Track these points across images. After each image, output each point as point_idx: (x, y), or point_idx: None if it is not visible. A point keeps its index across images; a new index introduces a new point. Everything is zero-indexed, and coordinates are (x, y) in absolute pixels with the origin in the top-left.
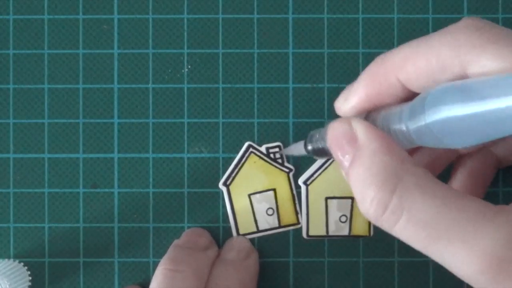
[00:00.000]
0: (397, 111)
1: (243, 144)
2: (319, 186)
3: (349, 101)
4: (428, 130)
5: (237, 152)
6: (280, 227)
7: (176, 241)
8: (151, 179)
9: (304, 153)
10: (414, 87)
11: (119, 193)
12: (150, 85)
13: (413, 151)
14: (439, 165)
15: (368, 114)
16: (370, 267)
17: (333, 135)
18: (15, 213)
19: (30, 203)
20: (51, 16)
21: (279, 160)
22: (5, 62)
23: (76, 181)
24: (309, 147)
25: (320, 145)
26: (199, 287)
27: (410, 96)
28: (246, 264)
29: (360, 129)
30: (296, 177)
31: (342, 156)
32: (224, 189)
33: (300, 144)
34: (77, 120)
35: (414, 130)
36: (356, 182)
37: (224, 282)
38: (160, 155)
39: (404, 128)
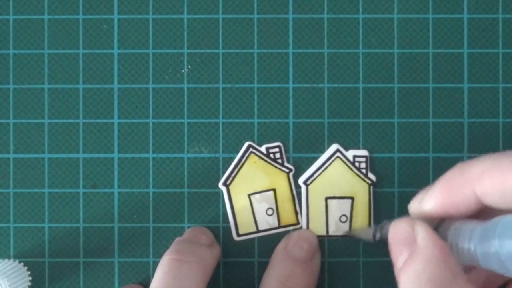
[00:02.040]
0: (469, 229)
1: (243, 144)
2: (319, 186)
3: (423, 205)
4: (496, 257)
5: (237, 152)
6: (280, 227)
7: (178, 238)
8: (151, 179)
9: (370, 239)
10: (488, 202)
11: (119, 193)
12: (150, 85)
13: (471, 267)
14: (494, 283)
15: (442, 223)
16: (370, 267)
17: (394, 233)
18: (15, 213)
19: (30, 203)
20: (51, 16)
21: (279, 160)
22: (5, 62)
23: (76, 181)
24: (378, 236)
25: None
26: (205, 278)
27: (486, 209)
28: (313, 265)
29: (421, 233)
30: (296, 177)
31: (398, 255)
32: (224, 189)
33: (369, 231)
34: (77, 120)
35: (481, 253)
36: (405, 283)
37: (291, 283)
38: (160, 155)
39: (472, 248)
